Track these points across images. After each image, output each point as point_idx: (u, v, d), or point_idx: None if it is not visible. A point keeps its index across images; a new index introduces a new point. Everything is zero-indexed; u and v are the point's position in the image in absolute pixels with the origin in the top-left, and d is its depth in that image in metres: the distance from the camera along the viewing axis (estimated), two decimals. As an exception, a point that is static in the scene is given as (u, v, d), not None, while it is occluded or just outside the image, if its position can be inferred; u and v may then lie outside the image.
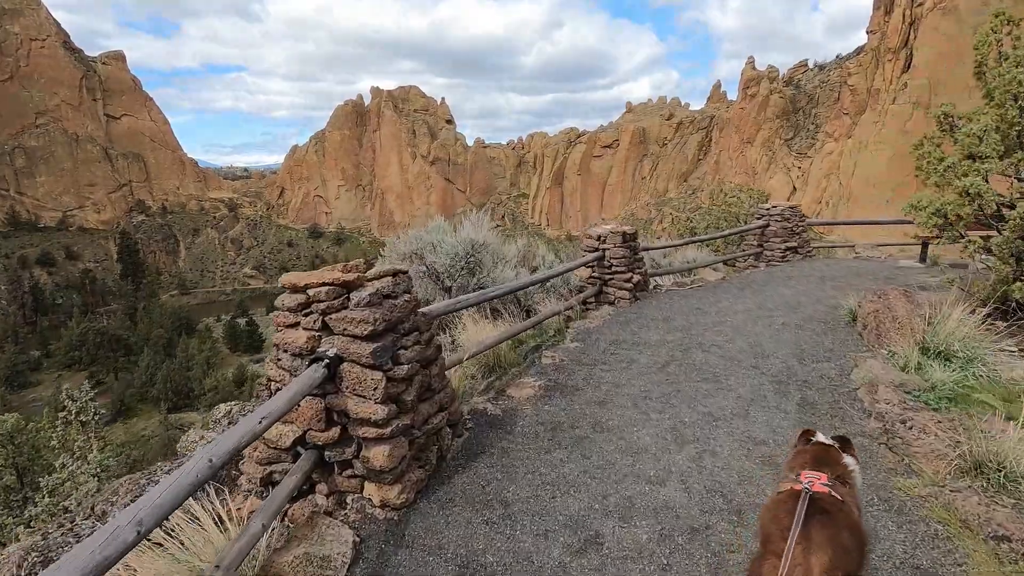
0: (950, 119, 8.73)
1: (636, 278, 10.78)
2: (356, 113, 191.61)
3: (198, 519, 3.44)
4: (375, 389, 4.03)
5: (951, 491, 4.03)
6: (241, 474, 4.42)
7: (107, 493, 4.89)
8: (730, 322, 9.39)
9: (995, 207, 7.67)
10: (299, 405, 4.08)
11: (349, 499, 4.24)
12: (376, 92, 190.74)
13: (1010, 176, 7.93)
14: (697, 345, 8.17)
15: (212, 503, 3.54)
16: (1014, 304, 7.77)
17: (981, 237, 8.00)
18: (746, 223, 18.23)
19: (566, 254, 18.03)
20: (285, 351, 4.21)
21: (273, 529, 3.76)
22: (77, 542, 4.23)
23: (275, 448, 4.18)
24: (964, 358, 6.72)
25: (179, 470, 2.51)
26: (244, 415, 5.65)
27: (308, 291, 4.16)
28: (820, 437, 3.18)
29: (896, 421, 4.95)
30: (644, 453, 5.08)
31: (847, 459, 3.01)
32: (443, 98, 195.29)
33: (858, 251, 18.28)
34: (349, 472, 4.21)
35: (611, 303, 10.71)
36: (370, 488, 4.17)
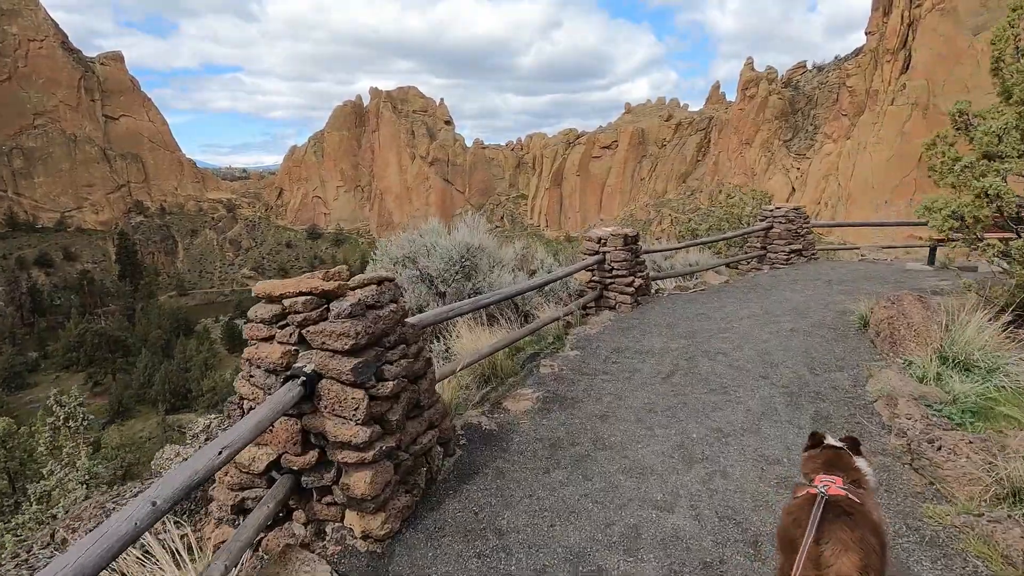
0: (965, 117, 8.38)
1: (638, 282, 10.43)
2: (355, 114, 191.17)
3: (153, 557, 3.08)
4: (356, 409, 3.67)
5: (989, 521, 3.67)
6: (213, 499, 4.06)
7: (69, 519, 4.53)
8: (736, 328, 9.03)
9: (1015, 209, 7.31)
10: (272, 427, 3.73)
11: (328, 528, 3.87)
12: (375, 93, 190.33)
13: (1031, 177, 7.59)
14: (703, 353, 7.81)
15: (172, 539, 3.18)
16: (1036, 311, 7.42)
17: (1000, 240, 7.65)
18: (749, 225, 17.87)
19: (565, 256, 17.69)
20: (258, 367, 3.85)
21: (241, 566, 3.40)
22: None
23: (247, 473, 3.82)
24: (985, 368, 6.36)
25: (113, 517, 2.15)
26: (224, 429, 5.30)
27: (284, 301, 3.80)
28: (830, 440, 3.14)
29: (922, 440, 4.58)
30: (650, 474, 4.72)
31: (859, 462, 2.98)
32: (442, 99, 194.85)
33: (863, 253, 17.94)
34: (328, 499, 3.85)
35: (612, 308, 10.36)
36: (351, 517, 3.81)
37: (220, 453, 2.74)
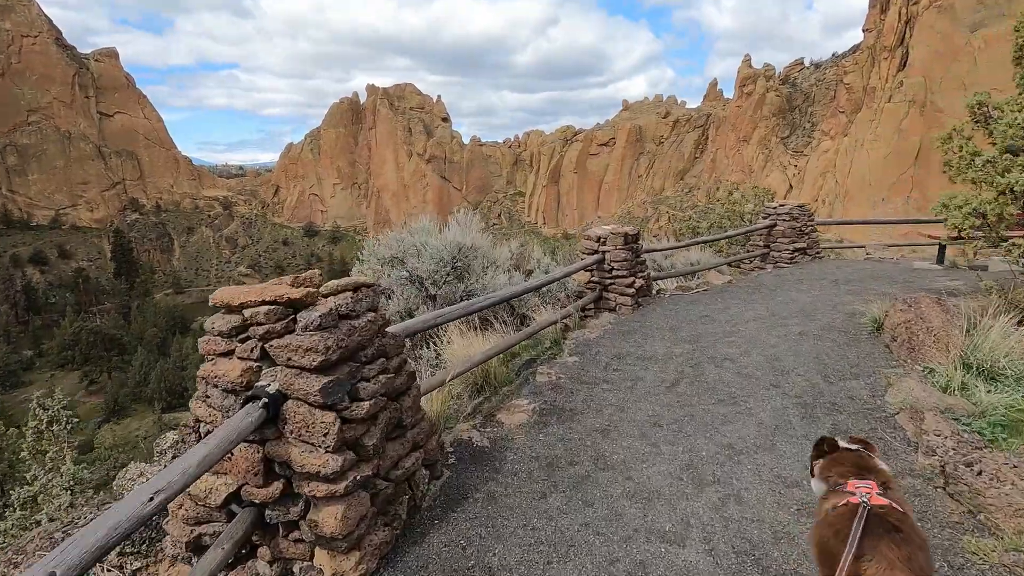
0: (984, 109, 7.95)
1: (639, 283, 9.98)
2: (351, 111, 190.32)
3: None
4: (325, 435, 3.22)
5: (1043, 560, 3.24)
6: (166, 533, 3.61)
7: (11, 552, 4.08)
8: (742, 332, 8.59)
9: (1042, 207, 6.90)
10: (231, 454, 3.28)
11: (296, 568, 3.42)
12: (372, 90, 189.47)
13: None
14: (708, 359, 7.37)
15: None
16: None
17: (1024, 239, 7.23)
18: (751, 223, 17.44)
19: (563, 254, 17.23)
20: (215, 386, 3.40)
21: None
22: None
23: (204, 505, 3.37)
24: (1013, 377, 5.94)
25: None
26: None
27: (244, 312, 3.35)
28: (842, 443, 3.03)
29: (958, 463, 4.15)
30: (656, 498, 4.28)
31: (881, 464, 2.87)
32: (438, 96, 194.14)
33: (869, 252, 17.51)
34: (296, 535, 3.40)
35: (612, 310, 9.91)
36: (321, 556, 3.36)
37: (151, 499, 2.28)
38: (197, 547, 3.43)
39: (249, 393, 3.27)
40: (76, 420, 18.35)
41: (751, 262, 15.33)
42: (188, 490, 3.24)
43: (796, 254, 14.88)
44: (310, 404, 3.26)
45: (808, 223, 15.25)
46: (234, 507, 3.39)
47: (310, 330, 3.29)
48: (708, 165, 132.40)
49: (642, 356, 7.54)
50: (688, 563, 3.56)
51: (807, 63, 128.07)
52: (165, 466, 4.36)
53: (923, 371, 6.43)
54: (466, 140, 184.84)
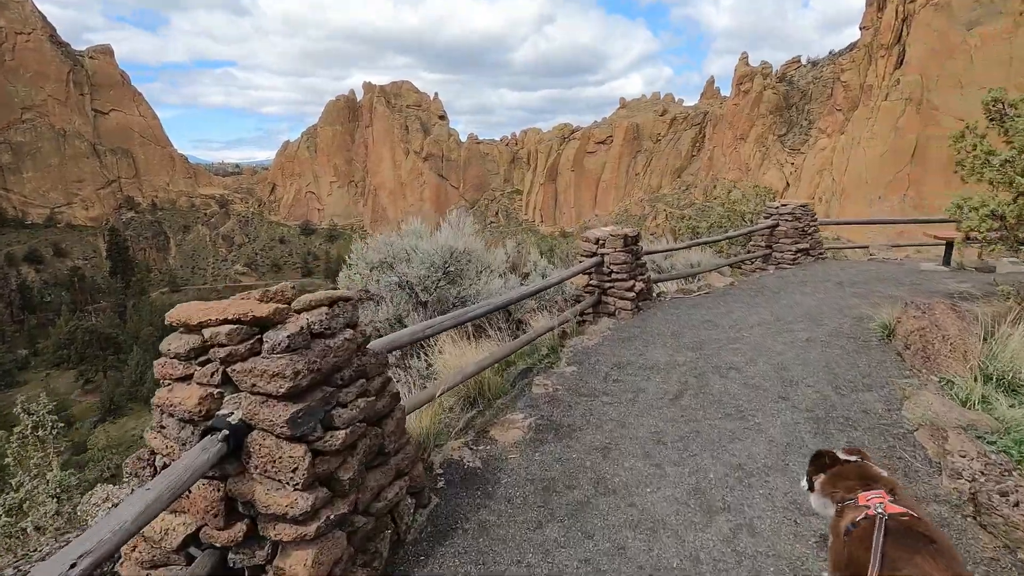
0: (999, 106, 7.61)
1: (639, 286, 9.64)
2: (348, 109, 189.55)
3: None
4: (294, 470, 2.87)
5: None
6: None
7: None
8: (747, 338, 8.25)
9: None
10: (190, 491, 2.93)
11: (263, 617, 3.07)
12: (368, 87, 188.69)
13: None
14: (713, 368, 7.02)
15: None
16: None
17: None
18: (752, 223, 17.10)
19: (560, 253, 16.90)
20: (171, 415, 3.04)
21: None
22: None
23: (159, 548, 3.02)
24: (1036, 389, 5.63)
25: None
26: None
27: (204, 331, 2.99)
28: (841, 455, 3.05)
29: (992, 492, 3.81)
30: (662, 529, 3.94)
31: (882, 471, 2.88)
32: (435, 93, 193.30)
33: (872, 252, 17.19)
34: (263, 581, 3.05)
35: (611, 314, 9.56)
36: (291, 605, 3.01)
37: (74, 566, 1.93)
38: (153, 593, 3.08)
39: (208, 424, 2.92)
40: (62, 425, 17.92)
41: (753, 263, 14.99)
42: (143, 531, 2.89)
43: (799, 255, 14.55)
44: (277, 436, 2.91)
45: (811, 223, 14.92)
46: (193, 550, 3.04)
47: (277, 352, 2.94)
48: (705, 163, 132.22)
49: (643, 365, 7.19)
50: (699, 608, 3.22)
51: (804, 61, 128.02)
52: (133, 490, 4.01)
53: (940, 382, 6.11)
54: (463, 138, 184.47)
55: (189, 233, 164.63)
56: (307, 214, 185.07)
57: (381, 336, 7.44)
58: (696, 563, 3.58)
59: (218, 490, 2.94)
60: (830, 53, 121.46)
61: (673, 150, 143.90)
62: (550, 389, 6.45)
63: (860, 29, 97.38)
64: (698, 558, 3.63)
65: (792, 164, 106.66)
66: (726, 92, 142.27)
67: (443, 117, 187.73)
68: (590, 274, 9.73)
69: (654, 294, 10.76)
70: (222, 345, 2.94)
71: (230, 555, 2.98)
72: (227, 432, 2.84)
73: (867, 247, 17.73)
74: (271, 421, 2.87)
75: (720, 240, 15.24)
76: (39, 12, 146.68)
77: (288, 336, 2.95)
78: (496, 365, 6.70)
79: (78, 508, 4.92)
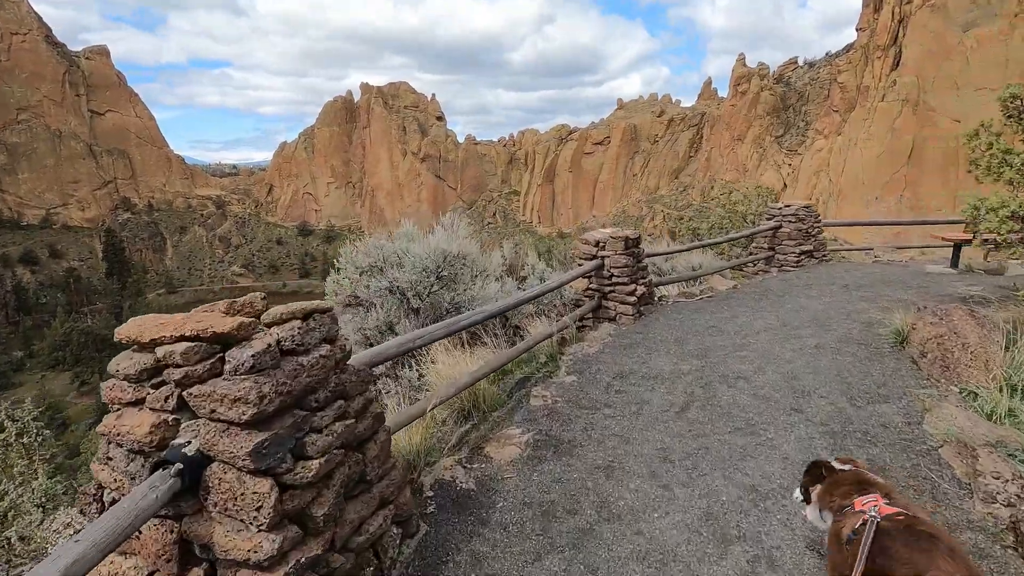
0: (1018, 102, 7.28)
1: (640, 290, 9.29)
2: (346, 109, 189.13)
3: None
4: (258, 509, 2.52)
5: None
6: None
7: None
8: (753, 345, 7.90)
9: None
10: (140, 532, 2.57)
11: (226, 672, 2.72)
12: (366, 88, 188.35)
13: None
14: (720, 378, 6.68)
15: None
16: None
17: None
18: (754, 224, 16.78)
19: (558, 253, 16.54)
20: (119, 444, 2.68)
21: None
22: None
23: (108, 595, 2.67)
24: (1063, 401, 5.29)
25: None
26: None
27: (157, 350, 2.64)
28: (835, 464, 3.08)
29: (1037, 522, 3.46)
30: (673, 562, 3.58)
31: (878, 477, 2.90)
32: (433, 94, 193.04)
33: (877, 254, 16.87)
34: (225, 631, 2.69)
35: (612, 319, 9.22)
36: (256, 659, 2.65)
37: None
38: (102, 644, 2.72)
39: (161, 455, 2.56)
40: (47, 432, 17.55)
41: (755, 265, 14.67)
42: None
43: (802, 257, 14.22)
44: (239, 469, 2.56)
45: (815, 224, 14.59)
46: (146, 597, 2.68)
47: (241, 373, 2.58)
48: (703, 164, 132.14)
49: (647, 375, 6.84)
50: (717, 658, 2.87)
51: (801, 62, 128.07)
52: (91, 518, 3.65)
53: (961, 393, 5.77)
54: (461, 139, 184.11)
55: (186, 234, 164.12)
56: (304, 215, 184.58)
57: (372, 345, 7.08)
58: (711, 603, 3.23)
59: (172, 531, 2.58)
60: (827, 54, 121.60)
61: (670, 151, 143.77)
62: (549, 401, 6.10)
63: (857, 30, 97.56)
64: (713, 596, 3.28)
65: (789, 165, 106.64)
66: (724, 93, 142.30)
67: (441, 118, 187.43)
68: (590, 277, 9.39)
69: (655, 298, 10.42)
70: (177, 365, 2.59)
71: (187, 604, 2.63)
72: (181, 466, 2.48)
73: (871, 249, 17.42)
74: (232, 453, 2.51)
75: (722, 242, 14.90)
76: (35, 12, 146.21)
77: (253, 356, 2.60)
78: (492, 374, 6.35)
79: (38, 534, 4.56)
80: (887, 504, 2.50)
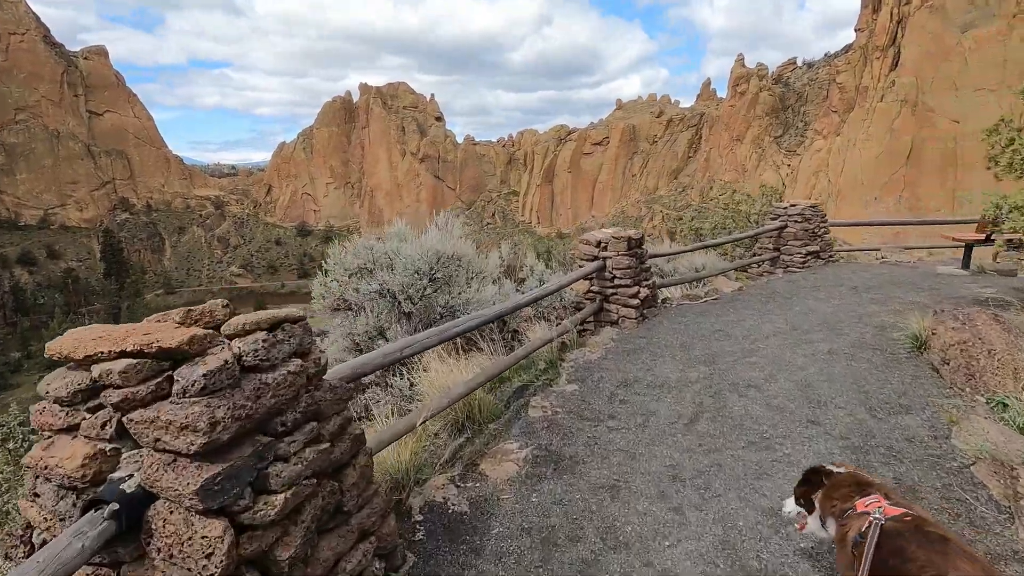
0: (1042, 97, 6.93)
1: (644, 292, 8.91)
2: (344, 110, 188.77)
3: None
4: (208, 556, 2.14)
5: None
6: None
7: None
8: (763, 350, 7.52)
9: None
10: (71, 583, 2.19)
11: None
12: (365, 88, 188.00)
13: None
14: (730, 386, 6.30)
15: None
16: None
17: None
18: (758, 224, 16.41)
19: (558, 254, 16.14)
20: (48, 479, 2.31)
21: None
22: None
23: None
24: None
25: None
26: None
27: (93, 368, 2.26)
28: (833, 468, 3.04)
29: (1098, 557, 3.09)
30: (688, 599, 3.21)
31: (875, 478, 2.90)
32: (432, 95, 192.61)
33: (884, 255, 16.50)
34: None
35: (614, 323, 8.84)
36: None
37: None
38: None
39: (96, 493, 2.18)
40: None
41: (759, 266, 14.30)
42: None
43: (808, 258, 13.85)
44: (187, 508, 2.18)
45: (821, 224, 14.22)
46: (80, 656, 2.31)
47: (190, 395, 2.20)
48: (702, 164, 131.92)
49: (652, 383, 6.46)
50: None
51: (800, 63, 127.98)
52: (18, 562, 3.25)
53: (989, 404, 5.40)
54: (460, 139, 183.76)
55: (184, 235, 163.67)
56: (303, 215, 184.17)
57: (361, 351, 6.71)
58: (733, 650, 2.86)
59: (107, 581, 2.21)
60: (825, 55, 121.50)
61: (669, 152, 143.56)
62: (549, 412, 5.72)
63: (855, 31, 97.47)
64: (735, 643, 2.91)
65: (788, 166, 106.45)
66: (722, 93, 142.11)
67: (439, 118, 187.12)
68: (591, 279, 9.02)
69: (659, 301, 10.05)
70: (116, 387, 2.21)
71: (127, 665, 2.25)
72: (117, 506, 2.10)
73: (877, 249, 17.06)
74: (177, 490, 2.14)
75: (726, 242, 14.54)
76: (33, 13, 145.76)
77: (206, 373, 2.22)
78: (488, 383, 5.98)
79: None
80: (889, 505, 2.48)
